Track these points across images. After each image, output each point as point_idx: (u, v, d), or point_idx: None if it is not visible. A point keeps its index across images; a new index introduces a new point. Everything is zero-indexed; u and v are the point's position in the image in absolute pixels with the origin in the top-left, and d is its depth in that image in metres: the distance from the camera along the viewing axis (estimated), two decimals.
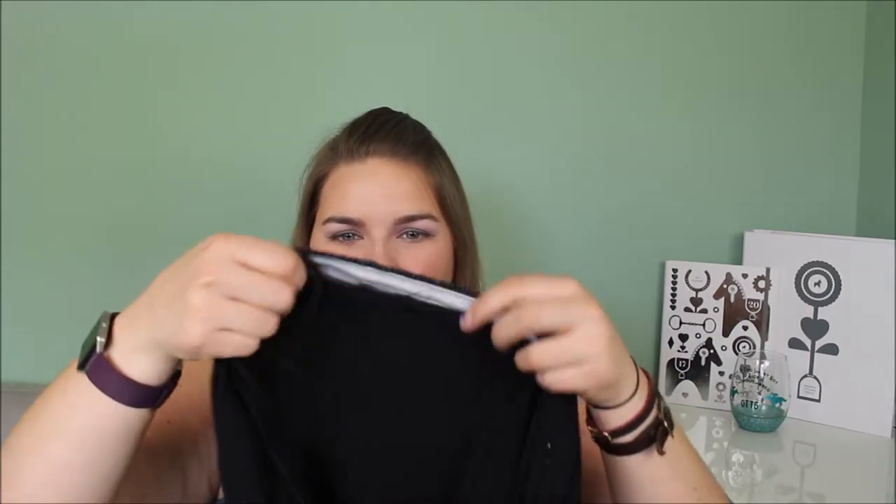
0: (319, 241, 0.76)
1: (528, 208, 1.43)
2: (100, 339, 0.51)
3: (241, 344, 0.48)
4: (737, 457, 1.18)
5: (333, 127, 0.83)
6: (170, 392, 0.54)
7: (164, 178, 1.34)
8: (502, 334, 0.53)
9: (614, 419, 0.57)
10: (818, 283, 1.30)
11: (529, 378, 0.53)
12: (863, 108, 1.48)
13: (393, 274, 0.54)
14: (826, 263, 1.29)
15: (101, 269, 1.34)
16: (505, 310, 0.52)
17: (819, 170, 1.49)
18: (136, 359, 0.51)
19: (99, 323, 0.52)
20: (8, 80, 1.29)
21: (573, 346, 0.51)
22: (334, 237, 0.75)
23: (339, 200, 0.75)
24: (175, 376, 0.54)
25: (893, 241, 1.24)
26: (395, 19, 1.36)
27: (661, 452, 0.57)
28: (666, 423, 0.58)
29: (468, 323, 0.54)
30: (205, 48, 1.33)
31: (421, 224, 0.74)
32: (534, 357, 0.52)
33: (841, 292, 1.28)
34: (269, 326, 0.48)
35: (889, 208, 1.39)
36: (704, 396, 1.39)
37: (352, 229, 0.74)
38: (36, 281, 1.32)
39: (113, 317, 0.53)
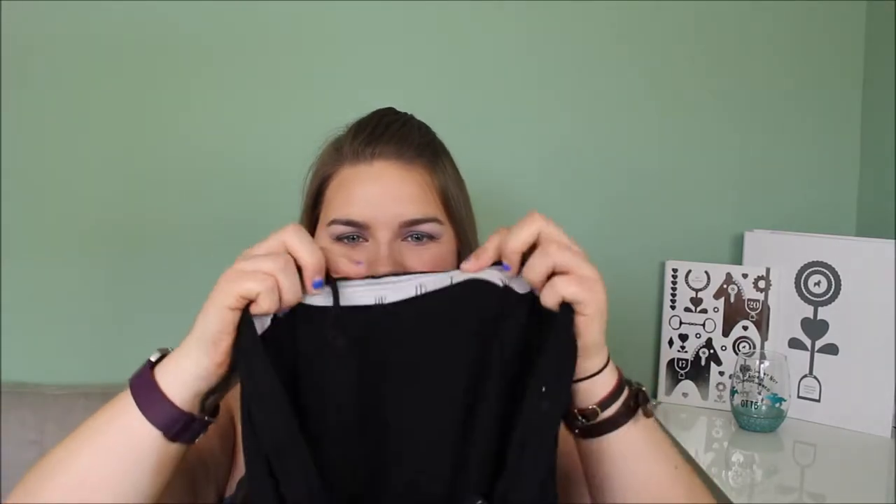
0: (323, 241, 0.76)
1: (527, 208, 1.41)
2: (157, 351, 0.57)
3: (253, 287, 0.53)
4: (737, 457, 1.18)
5: (334, 127, 0.83)
6: (193, 434, 0.57)
7: (164, 178, 1.34)
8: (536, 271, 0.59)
9: (599, 388, 0.60)
10: (818, 283, 1.31)
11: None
12: (863, 109, 1.48)
13: (405, 277, 0.59)
14: (826, 263, 1.30)
15: (100, 269, 1.34)
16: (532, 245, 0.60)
17: (819, 170, 1.49)
18: (171, 373, 0.55)
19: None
20: (8, 80, 1.29)
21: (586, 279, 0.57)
22: (339, 239, 0.75)
23: (344, 202, 0.75)
24: (202, 422, 0.57)
25: (893, 241, 1.24)
26: (395, 19, 1.36)
27: (649, 414, 0.61)
28: (644, 389, 0.62)
29: (470, 265, 0.59)
30: (205, 48, 1.33)
31: (426, 227, 0.75)
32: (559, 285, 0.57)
33: (841, 292, 1.28)
34: (266, 268, 0.53)
35: (889, 208, 1.39)
36: (704, 396, 1.39)
37: (357, 232, 0.74)
38: (36, 281, 1.32)
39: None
